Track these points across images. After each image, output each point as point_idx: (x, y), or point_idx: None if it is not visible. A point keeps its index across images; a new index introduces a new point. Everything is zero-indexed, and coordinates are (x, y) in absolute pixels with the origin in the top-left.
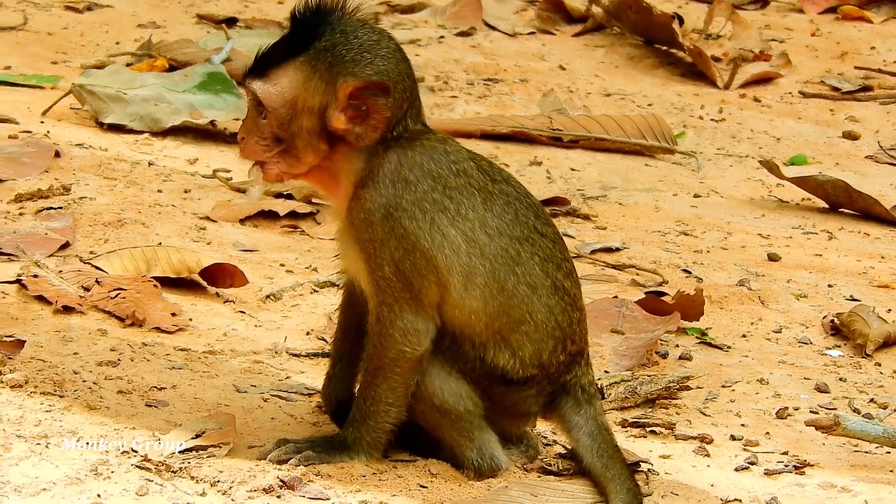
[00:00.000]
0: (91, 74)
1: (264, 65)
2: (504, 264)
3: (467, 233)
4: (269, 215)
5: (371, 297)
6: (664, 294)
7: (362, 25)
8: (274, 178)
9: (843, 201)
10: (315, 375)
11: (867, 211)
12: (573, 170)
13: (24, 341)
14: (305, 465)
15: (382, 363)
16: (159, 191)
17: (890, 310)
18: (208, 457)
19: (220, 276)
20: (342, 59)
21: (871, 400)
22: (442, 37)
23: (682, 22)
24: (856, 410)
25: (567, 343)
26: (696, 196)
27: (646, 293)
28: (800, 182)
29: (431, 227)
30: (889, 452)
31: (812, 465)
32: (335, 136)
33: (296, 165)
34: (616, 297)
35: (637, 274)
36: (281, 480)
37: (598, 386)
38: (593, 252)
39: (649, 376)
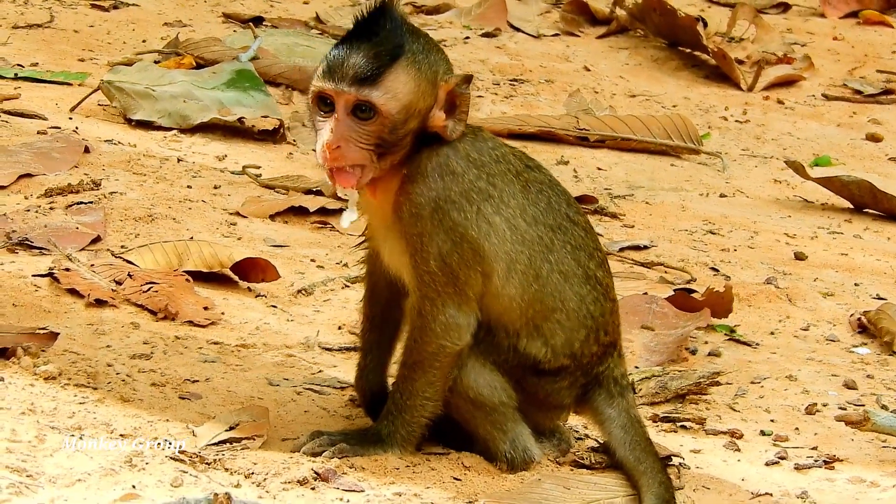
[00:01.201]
0: (119, 71)
1: (369, 71)
2: (539, 252)
3: (510, 220)
4: (298, 211)
5: (413, 291)
6: (693, 291)
7: (412, 27)
8: (352, 184)
9: (867, 202)
10: (347, 369)
11: (892, 212)
12: (600, 169)
13: (58, 334)
14: (339, 458)
15: (422, 357)
16: (189, 187)
17: None
18: (242, 449)
19: (251, 271)
20: (434, 60)
21: None
22: (467, 38)
23: (705, 25)
24: (884, 407)
25: (600, 333)
26: (722, 196)
27: (675, 290)
28: (825, 182)
29: (478, 216)
30: None
31: (841, 461)
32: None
33: (384, 169)
34: (646, 293)
35: (665, 272)
36: (315, 472)
37: (631, 382)
38: (621, 250)
39: (680, 372)
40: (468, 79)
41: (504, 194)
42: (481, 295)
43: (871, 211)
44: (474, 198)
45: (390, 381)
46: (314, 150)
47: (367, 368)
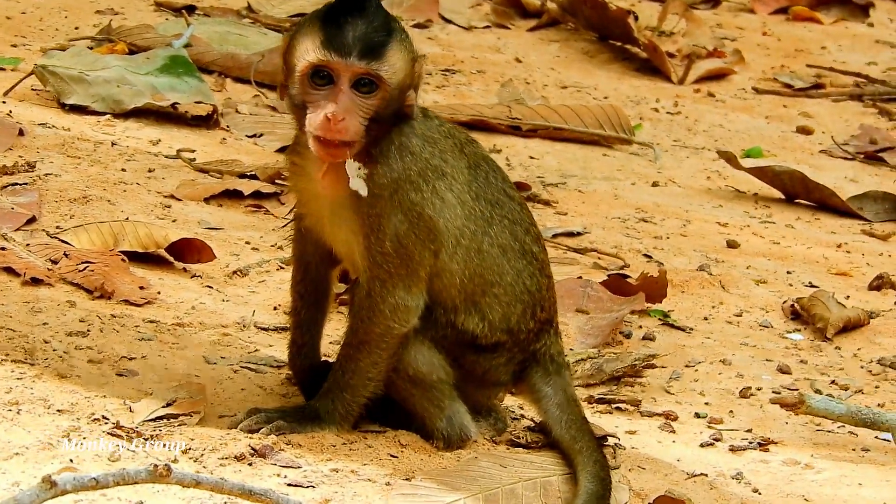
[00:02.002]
0: (53, 56)
1: (374, 45)
2: (482, 226)
3: (459, 195)
4: (233, 195)
5: (363, 272)
6: (627, 277)
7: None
8: (342, 158)
9: (799, 192)
10: (283, 349)
11: (823, 202)
12: (532, 158)
13: None
14: (277, 435)
15: (369, 338)
16: (123, 170)
17: (848, 296)
18: (179, 425)
19: (186, 252)
20: (409, 40)
21: (833, 382)
22: None
23: (636, 19)
24: (817, 391)
25: (536, 309)
26: (654, 185)
27: (609, 275)
28: (757, 173)
29: (433, 194)
30: (851, 432)
31: (776, 443)
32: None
33: (360, 146)
34: (580, 277)
35: (599, 258)
36: (252, 448)
37: (566, 360)
38: (555, 236)
39: (615, 354)
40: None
41: (455, 170)
42: (429, 276)
43: (802, 201)
44: (430, 176)
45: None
46: (248, 137)
47: (303, 346)
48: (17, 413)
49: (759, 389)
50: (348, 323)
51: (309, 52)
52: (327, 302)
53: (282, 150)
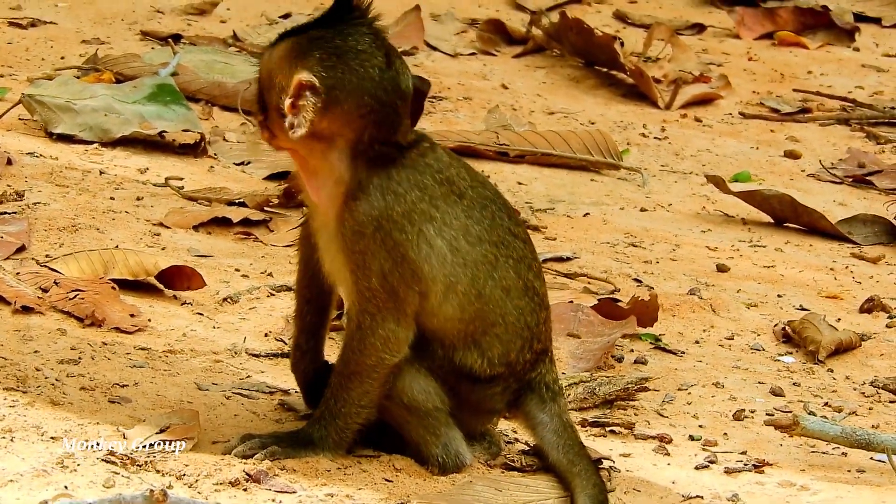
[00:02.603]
0: (40, 85)
1: (281, 35)
2: (483, 270)
3: (451, 242)
4: (222, 222)
5: (353, 305)
6: (618, 301)
7: (366, 35)
8: (265, 139)
9: (788, 216)
10: (275, 374)
11: (813, 225)
12: (520, 184)
13: None
14: (271, 460)
15: (360, 368)
16: (112, 198)
17: (839, 319)
18: (173, 451)
19: (177, 279)
20: (311, 53)
21: (826, 404)
22: None
23: (622, 45)
24: (811, 413)
25: (534, 342)
26: (642, 210)
27: (599, 299)
28: (746, 197)
29: (419, 237)
30: (845, 453)
31: (771, 465)
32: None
33: (275, 138)
34: (571, 302)
35: (589, 282)
36: (247, 474)
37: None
38: (544, 261)
39: (608, 377)
40: (313, 88)
41: (447, 216)
42: (417, 313)
43: (792, 225)
44: (416, 219)
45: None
46: (236, 165)
47: (306, 351)
48: (11, 440)
49: (752, 412)
50: (340, 352)
51: None
52: (330, 306)
53: (270, 177)
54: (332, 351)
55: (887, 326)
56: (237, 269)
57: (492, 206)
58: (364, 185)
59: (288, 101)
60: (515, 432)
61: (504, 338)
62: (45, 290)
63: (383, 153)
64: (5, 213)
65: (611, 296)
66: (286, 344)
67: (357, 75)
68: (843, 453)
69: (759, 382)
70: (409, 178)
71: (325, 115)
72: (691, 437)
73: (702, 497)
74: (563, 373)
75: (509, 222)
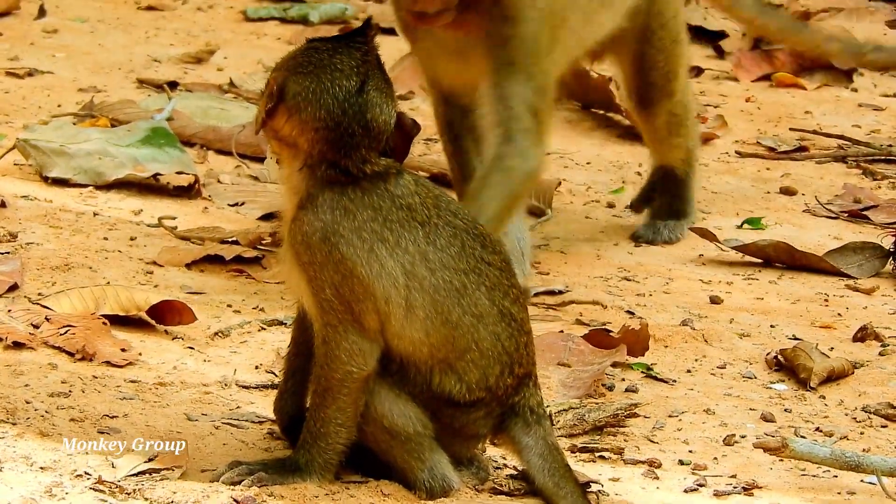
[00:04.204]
0: (35, 130)
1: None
2: (448, 297)
3: (406, 266)
4: (214, 260)
5: (316, 319)
6: (609, 331)
7: (352, 59)
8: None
9: (784, 260)
10: (266, 405)
11: (809, 266)
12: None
13: None
14: (259, 486)
15: (330, 384)
16: (105, 238)
17: (832, 348)
18: (161, 479)
19: (168, 315)
20: (296, 59)
21: (817, 429)
22: None
23: (618, 87)
24: (801, 437)
25: (514, 367)
26: (637, 245)
27: (590, 330)
28: (741, 248)
29: (370, 255)
30: (836, 476)
31: (761, 487)
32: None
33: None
34: (562, 331)
35: (581, 314)
36: (235, 500)
37: (548, 412)
38: (537, 295)
39: (598, 404)
40: (280, 95)
41: (402, 240)
42: (380, 331)
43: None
44: (366, 237)
45: None
46: (230, 206)
47: (287, 392)
48: (0, 471)
49: (743, 437)
50: (313, 372)
51: None
52: None
53: (263, 217)
54: None
55: (880, 354)
56: (229, 305)
57: (462, 234)
58: (314, 197)
59: (264, 97)
60: (504, 458)
61: (480, 363)
62: (36, 327)
63: (331, 175)
64: None
65: (602, 326)
66: (276, 376)
67: (323, 89)
68: (833, 476)
69: (751, 409)
70: (363, 199)
71: (287, 120)
72: (681, 462)
73: None
74: (553, 400)
75: (482, 251)
